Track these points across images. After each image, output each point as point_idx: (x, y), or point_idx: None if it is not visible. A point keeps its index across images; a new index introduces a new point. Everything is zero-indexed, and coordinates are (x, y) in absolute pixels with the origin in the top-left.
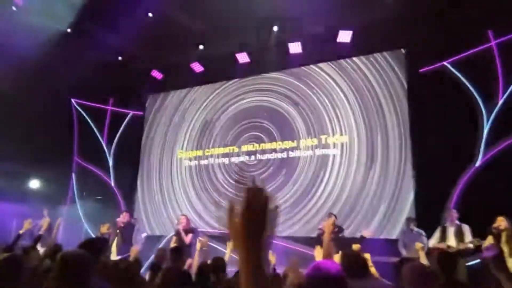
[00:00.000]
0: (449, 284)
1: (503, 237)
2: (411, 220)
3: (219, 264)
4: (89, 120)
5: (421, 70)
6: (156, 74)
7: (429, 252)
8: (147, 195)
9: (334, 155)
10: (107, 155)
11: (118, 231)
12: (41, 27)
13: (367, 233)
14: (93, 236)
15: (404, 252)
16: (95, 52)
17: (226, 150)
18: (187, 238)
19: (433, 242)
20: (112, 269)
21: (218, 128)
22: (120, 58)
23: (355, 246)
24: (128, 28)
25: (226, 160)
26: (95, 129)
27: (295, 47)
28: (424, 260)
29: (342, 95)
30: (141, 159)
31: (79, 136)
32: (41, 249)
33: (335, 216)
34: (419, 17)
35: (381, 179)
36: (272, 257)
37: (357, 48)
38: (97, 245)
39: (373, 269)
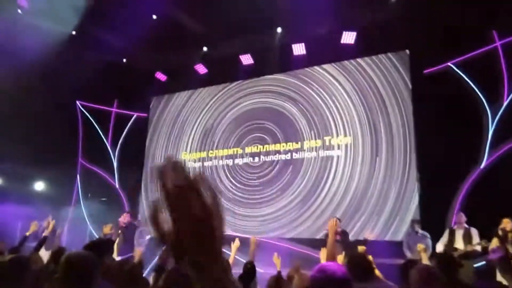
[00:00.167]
0: (450, 285)
1: (510, 239)
2: (416, 222)
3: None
4: (93, 122)
5: (425, 71)
6: (160, 76)
7: (433, 256)
8: (151, 197)
9: (338, 156)
10: (112, 156)
11: (119, 231)
12: (46, 29)
13: (370, 236)
14: (98, 237)
15: (408, 254)
16: (100, 54)
17: (230, 151)
18: None
19: (441, 245)
20: (116, 270)
21: (222, 129)
22: (124, 60)
23: (361, 248)
24: (133, 30)
25: (230, 162)
26: (99, 131)
27: (299, 49)
28: (426, 262)
29: (346, 96)
30: (145, 161)
31: (83, 138)
32: (45, 252)
33: (339, 220)
34: (423, 18)
35: (386, 180)
36: (277, 260)
37: (361, 49)
38: (102, 247)
39: (376, 271)
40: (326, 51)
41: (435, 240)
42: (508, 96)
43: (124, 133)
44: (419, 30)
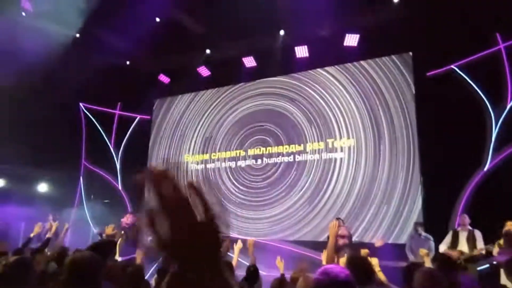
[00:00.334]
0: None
1: None
2: (419, 225)
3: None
4: (97, 124)
5: (428, 73)
6: (163, 78)
7: (435, 258)
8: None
9: (341, 159)
10: (115, 158)
11: (122, 232)
12: (50, 32)
13: (379, 242)
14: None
15: (411, 257)
16: (103, 56)
17: (233, 154)
18: None
19: (444, 246)
20: (119, 272)
21: (224, 132)
22: (128, 62)
23: (363, 252)
24: (136, 32)
25: (233, 164)
26: (103, 133)
27: (301, 51)
28: (429, 265)
29: (349, 99)
30: (148, 163)
31: (87, 140)
32: (48, 253)
33: (342, 221)
34: (427, 20)
35: (389, 183)
36: (280, 264)
37: (364, 51)
38: (105, 248)
39: (381, 274)
40: (329, 54)
41: (438, 242)
42: (511, 98)
43: (127, 135)
44: (422, 32)
